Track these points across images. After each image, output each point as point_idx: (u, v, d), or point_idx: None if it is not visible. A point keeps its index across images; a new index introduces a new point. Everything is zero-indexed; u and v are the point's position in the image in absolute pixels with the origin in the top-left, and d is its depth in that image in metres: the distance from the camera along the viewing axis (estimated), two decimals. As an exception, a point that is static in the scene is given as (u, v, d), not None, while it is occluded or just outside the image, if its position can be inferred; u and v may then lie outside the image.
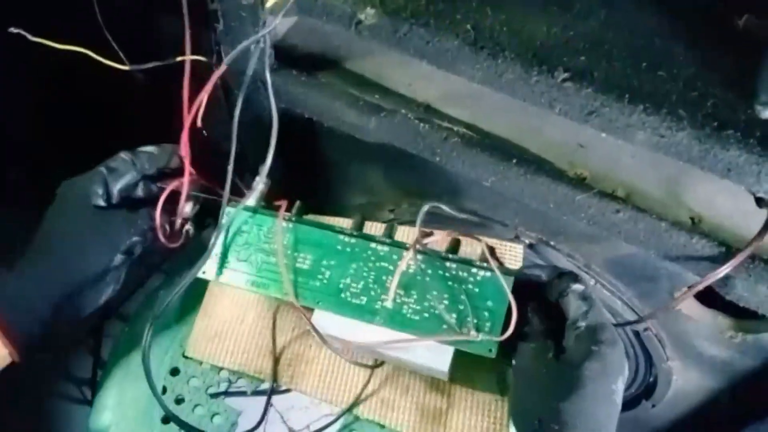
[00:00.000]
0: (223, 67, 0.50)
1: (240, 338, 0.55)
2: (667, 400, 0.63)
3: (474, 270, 0.47)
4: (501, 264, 0.50)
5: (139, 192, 0.52)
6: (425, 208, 0.51)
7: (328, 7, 0.47)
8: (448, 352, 0.47)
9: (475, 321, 0.45)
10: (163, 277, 0.74)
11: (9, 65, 0.65)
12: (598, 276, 0.55)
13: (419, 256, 0.48)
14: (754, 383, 0.54)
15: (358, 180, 0.66)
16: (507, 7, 0.45)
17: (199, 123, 0.52)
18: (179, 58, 0.59)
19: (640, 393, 0.66)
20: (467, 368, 0.50)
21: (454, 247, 0.51)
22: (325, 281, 0.49)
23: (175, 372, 0.54)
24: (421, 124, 0.50)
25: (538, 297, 0.46)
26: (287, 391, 0.53)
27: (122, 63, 0.59)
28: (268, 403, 0.51)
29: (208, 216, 0.56)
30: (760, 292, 0.43)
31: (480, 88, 0.45)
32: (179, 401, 0.52)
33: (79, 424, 0.73)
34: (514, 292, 0.45)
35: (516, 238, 0.57)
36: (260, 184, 0.53)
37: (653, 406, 0.65)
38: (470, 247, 0.52)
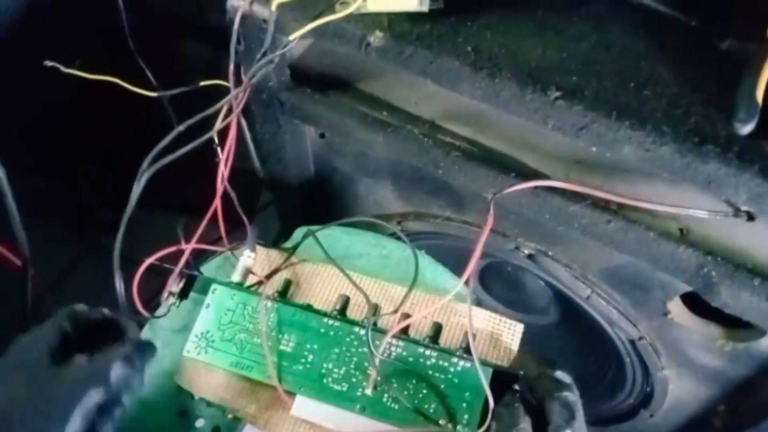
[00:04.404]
0: (245, 83, 0.53)
1: (224, 374, 0.52)
2: (665, 409, 0.65)
3: (454, 360, 0.47)
4: (497, 342, 0.50)
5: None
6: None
7: (339, 31, 0.51)
8: None
9: (453, 413, 0.45)
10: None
11: (43, 90, 0.70)
12: (595, 286, 0.58)
13: (401, 343, 0.48)
14: (747, 391, 0.56)
15: (368, 194, 0.69)
16: (505, 31, 0.49)
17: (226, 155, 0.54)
18: (203, 83, 0.63)
19: (638, 403, 0.68)
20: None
21: (437, 330, 0.50)
22: (307, 366, 0.48)
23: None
24: (426, 140, 0.53)
25: (517, 392, 0.44)
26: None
27: (150, 88, 0.63)
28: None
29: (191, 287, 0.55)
30: (744, 299, 0.45)
31: (480, 105, 0.48)
32: (194, 396, 0.55)
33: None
34: (496, 384, 0.44)
35: (516, 249, 0.60)
36: (247, 258, 0.54)
37: (651, 415, 0.67)
38: (452, 333, 0.51)
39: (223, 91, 0.61)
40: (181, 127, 0.53)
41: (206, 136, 0.55)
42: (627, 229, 0.48)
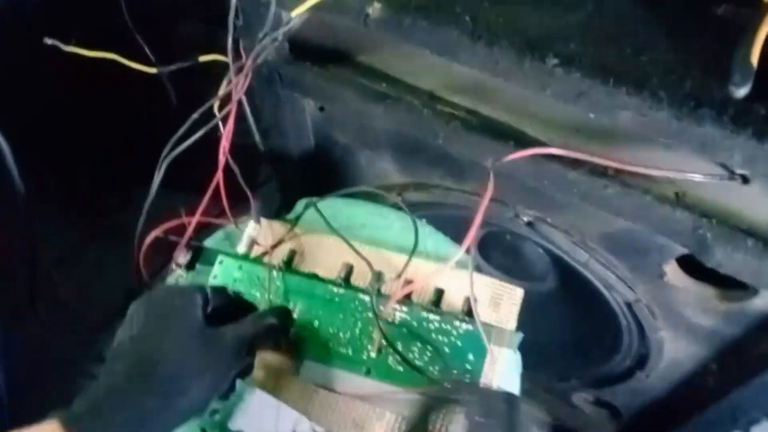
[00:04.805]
0: (249, 64, 0.53)
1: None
2: (660, 369, 0.67)
3: (456, 323, 0.49)
4: (497, 306, 0.52)
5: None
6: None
7: (338, 3, 0.51)
8: None
9: (456, 373, 0.47)
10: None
11: (42, 71, 0.70)
12: (593, 251, 0.59)
13: (404, 308, 0.50)
14: (739, 349, 0.58)
15: (369, 166, 0.70)
16: (502, 0, 0.49)
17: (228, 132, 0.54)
18: (201, 58, 0.63)
19: (635, 364, 0.70)
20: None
21: (439, 296, 0.52)
22: (314, 332, 0.51)
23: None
24: (425, 110, 0.54)
25: None
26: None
27: (148, 65, 0.63)
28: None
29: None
30: (738, 259, 0.46)
31: (478, 75, 0.49)
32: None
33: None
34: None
35: (516, 216, 0.61)
36: (252, 230, 0.56)
37: (647, 376, 0.69)
38: (454, 298, 0.52)
39: (222, 66, 0.61)
40: (196, 115, 0.54)
41: (212, 123, 0.55)
42: (624, 194, 0.49)
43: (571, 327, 0.76)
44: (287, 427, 0.51)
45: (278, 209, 0.77)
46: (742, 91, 0.40)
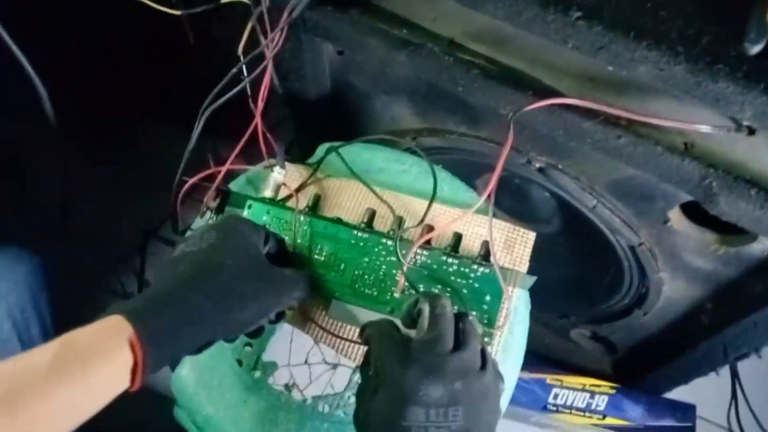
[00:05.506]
0: (284, 19, 0.53)
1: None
2: (657, 308, 0.71)
3: (474, 266, 0.52)
4: (511, 249, 0.55)
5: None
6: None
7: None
8: None
9: (474, 313, 0.51)
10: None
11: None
12: (600, 197, 0.62)
13: (425, 252, 0.53)
14: (733, 291, 0.62)
15: (384, 110, 0.72)
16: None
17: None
18: (223, 0, 0.63)
19: (633, 303, 0.74)
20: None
21: (457, 240, 0.54)
22: (340, 273, 0.53)
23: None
24: (446, 57, 0.55)
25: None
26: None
27: (169, 5, 0.64)
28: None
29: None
30: (740, 207, 0.49)
31: (495, 23, 0.50)
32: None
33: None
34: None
35: (528, 163, 0.63)
36: (277, 174, 0.58)
37: (645, 314, 0.73)
38: (471, 241, 0.55)
39: (242, 9, 0.61)
40: (235, 70, 0.55)
41: (242, 84, 0.56)
42: (636, 144, 0.51)
43: (574, 267, 0.80)
44: (301, 353, 0.56)
45: (290, 148, 0.79)
46: (756, 48, 0.42)
